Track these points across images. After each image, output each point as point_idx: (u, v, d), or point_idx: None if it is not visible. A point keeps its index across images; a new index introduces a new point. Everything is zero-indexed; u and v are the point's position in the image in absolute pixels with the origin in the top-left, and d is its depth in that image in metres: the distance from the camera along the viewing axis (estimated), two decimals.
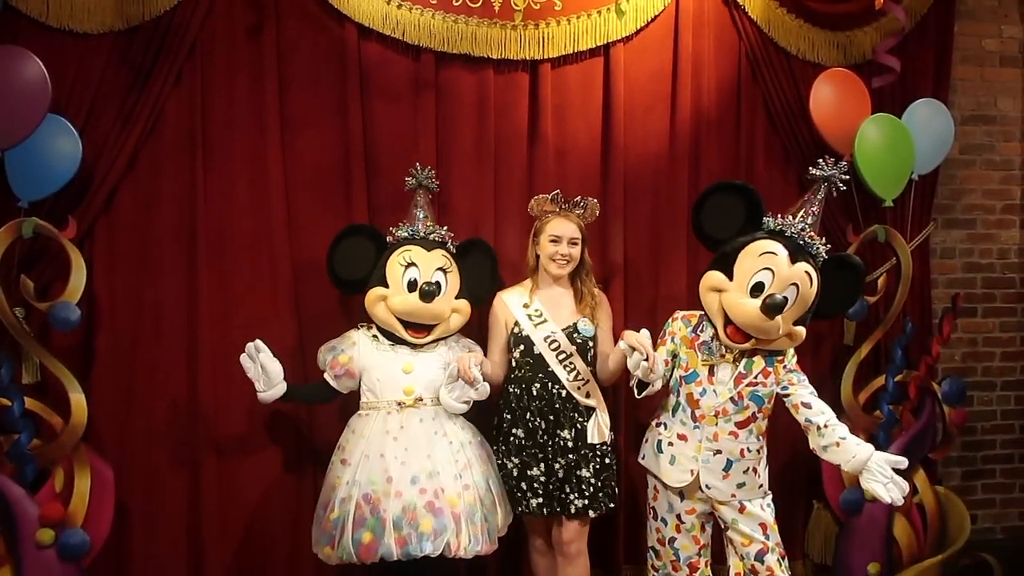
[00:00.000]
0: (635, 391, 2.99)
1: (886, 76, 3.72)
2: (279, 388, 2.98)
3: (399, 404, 3.01)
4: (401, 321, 3.04)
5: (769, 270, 2.84)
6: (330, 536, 2.89)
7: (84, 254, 3.11)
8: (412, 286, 3.03)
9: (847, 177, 3.11)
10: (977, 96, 4.22)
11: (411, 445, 2.95)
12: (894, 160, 3.62)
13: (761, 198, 3.00)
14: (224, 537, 3.32)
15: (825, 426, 2.86)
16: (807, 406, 2.91)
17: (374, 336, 3.11)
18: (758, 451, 2.98)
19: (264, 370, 2.93)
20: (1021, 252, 4.31)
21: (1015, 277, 4.31)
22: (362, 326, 3.15)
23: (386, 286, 3.05)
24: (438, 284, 3.03)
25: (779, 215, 2.97)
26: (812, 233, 2.96)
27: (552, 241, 3.13)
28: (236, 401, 3.34)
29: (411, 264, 3.05)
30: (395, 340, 3.08)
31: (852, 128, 3.57)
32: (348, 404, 3.31)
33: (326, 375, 3.10)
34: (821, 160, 3.10)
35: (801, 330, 2.90)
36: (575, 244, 3.14)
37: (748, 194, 2.99)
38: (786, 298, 2.79)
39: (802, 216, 2.98)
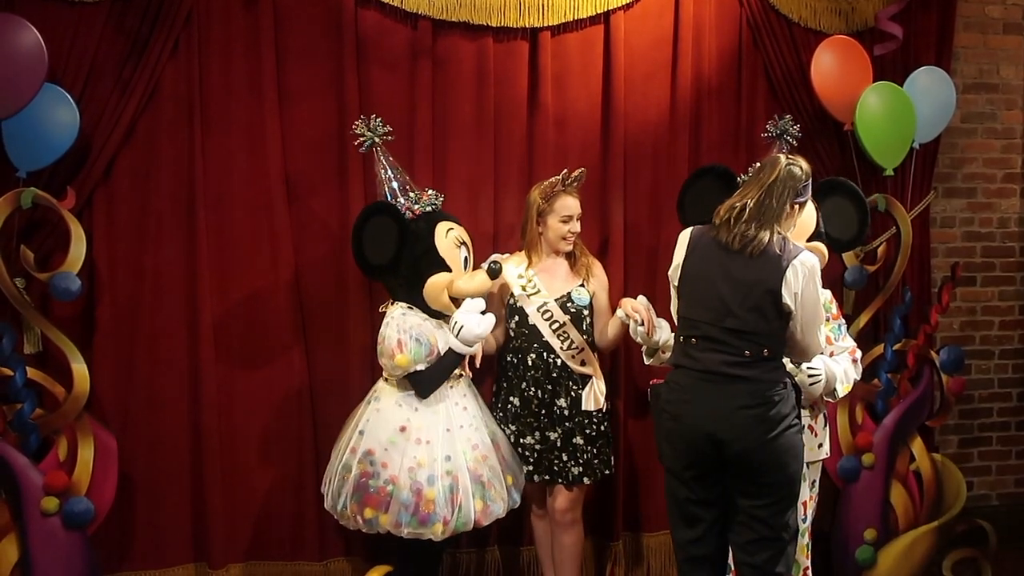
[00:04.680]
0: (644, 358, 3.11)
1: (888, 44, 3.69)
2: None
3: (457, 376, 3.04)
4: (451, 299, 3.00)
5: None
6: (435, 516, 2.85)
7: (83, 224, 3.10)
8: (465, 265, 3.04)
9: (798, 126, 3.32)
10: (980, 64, 4.19)
11: (475, 411, 3.05)
12: (895, 129, 3.61)
13: (726, 168, 3.22)
14: (228, 504, 3.34)
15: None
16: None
17: (420, 315, 3.00)
18: (812, 407, 3.02)
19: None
20: (1021, 221, 4.30)
21: (1015, 246, 4.31)
22: (398, 305, 3.01)
23: (447, 269, 2.97)
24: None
25: (748, 171, 3.18)
26: None
27: (563, 221, 3.15)
28: (237, 369, 3.36)
29: (463, 243, 3.04)
30: (433, 314, 3.02)
31: (853, 96, 3.55)
32: (350, 376, 3.34)
33: (420, 366, 2.91)
34: (770, 123, 3.32)
35: (820, 244, 2.99)
36: (579, 219, 3.18)
37: (715, 171, 3.20)
38: None
39: None
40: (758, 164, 2.72)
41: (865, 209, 3.22)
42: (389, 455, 2.90)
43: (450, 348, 2.94)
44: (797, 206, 2.65)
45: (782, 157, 2.65)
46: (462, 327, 2.92)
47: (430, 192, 3.08)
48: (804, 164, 2.66)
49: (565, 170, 3.15)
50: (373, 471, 2.90)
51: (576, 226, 3.17)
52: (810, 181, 2.67)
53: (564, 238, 3.17)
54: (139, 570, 3.31)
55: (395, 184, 3.05)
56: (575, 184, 3.18)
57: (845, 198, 3.21)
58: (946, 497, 3.74)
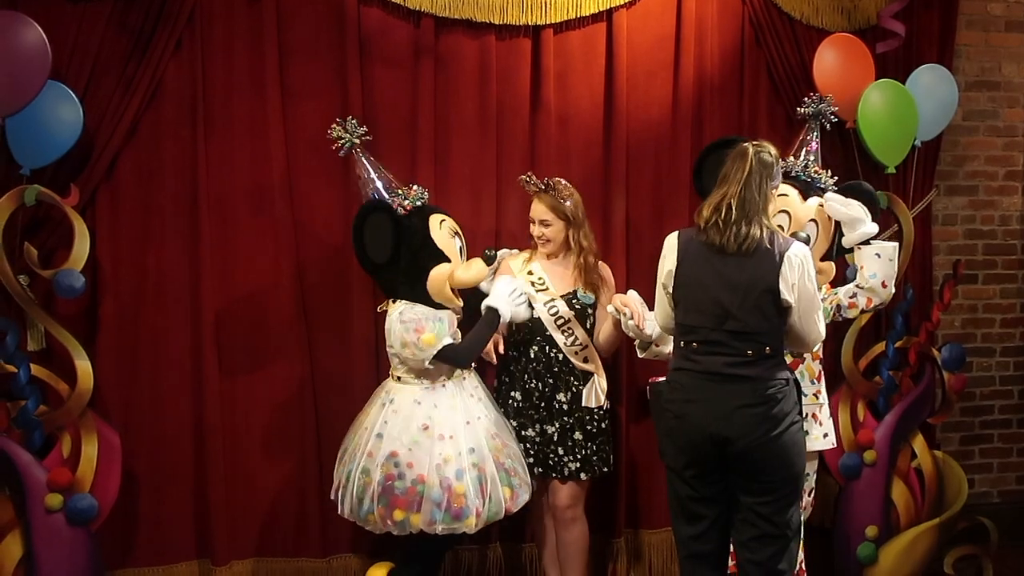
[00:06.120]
0: (637, 351, 3.11)
1: (890, 41, 3.70)
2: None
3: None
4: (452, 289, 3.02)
5: (784, 212, 2.95)
6: (467, 509, 2.87)
7: (87, 221, 3.11)
8: (460, 255, 3.06)
9: (835, 109, 3.24)
10: (982, 62, 4.19)
11: (487, 401, 3.08)
12: (897, 126, 3.61)
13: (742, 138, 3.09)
14: (231, 501, 3.35)
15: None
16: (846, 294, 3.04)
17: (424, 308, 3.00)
18: (815, 395, 3.03)
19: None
20: (1023, 219, 4.31)
21: (1016, 244, 4.31)
22: (399, 303, 3.01)
23: (446, 260, 2.99)
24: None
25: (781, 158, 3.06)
26: (816, 168, 3.07)
27: (531, 222, 3.18)
28: (241, 366, 3.37)
29: (456, 233, 3.07)
30: (436, 307, 3.02)
31: (856, 94, 3.55)
32: (353, 372, 3.34)
33: (446, 339, 2.93)
34: (807, 98, 3.24)
35: (830, 265, 3.00)
36: (546, 225, 3.14)
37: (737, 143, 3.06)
38: (808, 236, 2.90)
39: (804, 155, 3.09)
40: (727, 160, 2.65)
41: (876, 211, 3.19)
42: (414, 455, 2.90)
43: (490, 307, 2.94)
44: (773, 190, 2.66)
45: (748, 146, 2.62)
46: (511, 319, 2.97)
47: (416, 188, 3.09)
48: (771, 148, 2.65)
49: (529, 172, 3.18)
50: (398, 472, 2.89)
51: (540, 231, 3.14)
52: (779, 163, 2.67)
53: (536, 237, 3.18)
54: (143, 567, 3.32)
55: (379, 183, 3.06)
56: (541, 189, 3.14)
57: (861, 198, 3.10)
58: (947, 494, 3.75)
